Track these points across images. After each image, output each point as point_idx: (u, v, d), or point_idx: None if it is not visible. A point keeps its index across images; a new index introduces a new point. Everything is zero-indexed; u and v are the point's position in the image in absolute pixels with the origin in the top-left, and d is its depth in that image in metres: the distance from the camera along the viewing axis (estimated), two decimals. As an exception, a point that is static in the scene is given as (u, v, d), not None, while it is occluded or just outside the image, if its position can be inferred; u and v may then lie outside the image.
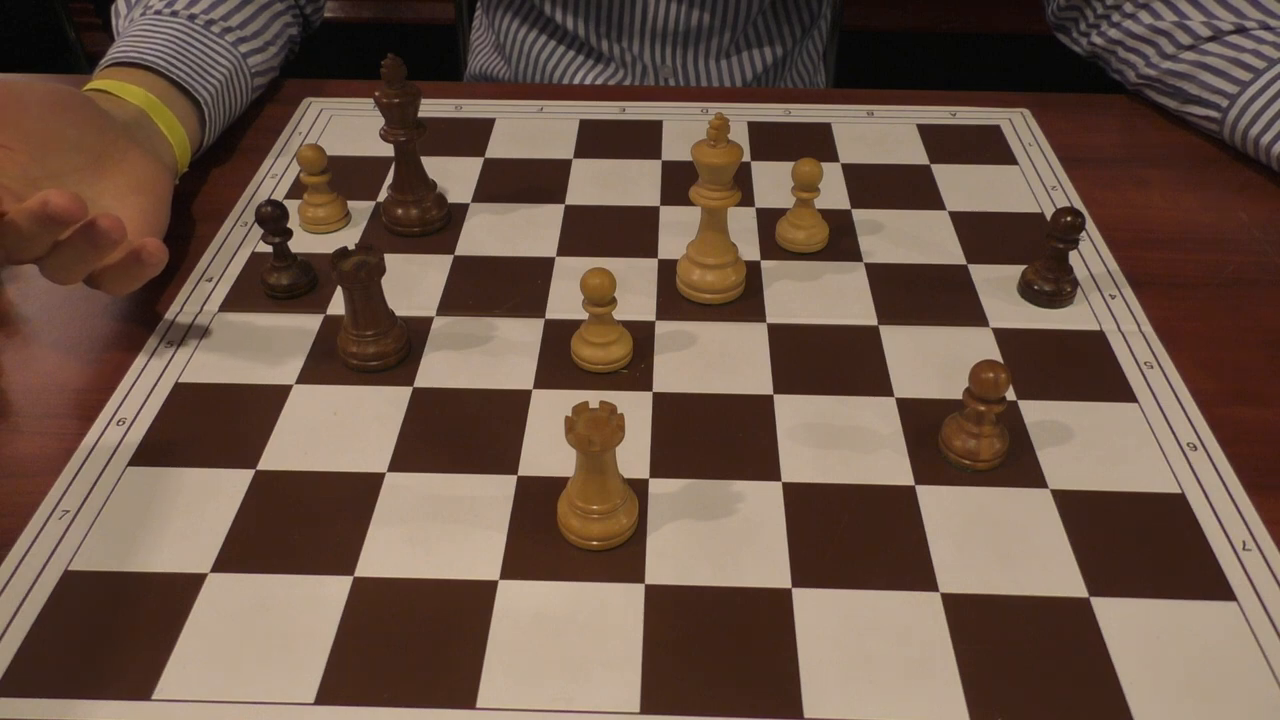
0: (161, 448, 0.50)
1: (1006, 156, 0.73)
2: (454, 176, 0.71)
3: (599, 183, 0.71)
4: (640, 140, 0.75)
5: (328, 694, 0.40)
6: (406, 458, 0.50)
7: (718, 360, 0.56)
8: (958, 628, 0.42)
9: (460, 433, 0.51)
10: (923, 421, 0.52)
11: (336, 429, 0.51)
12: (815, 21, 0.96)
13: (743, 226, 0.66)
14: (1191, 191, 0.70)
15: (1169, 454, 0.50)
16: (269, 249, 0.59)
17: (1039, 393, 0.53)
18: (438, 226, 0.66)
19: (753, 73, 0.93)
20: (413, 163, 0.65)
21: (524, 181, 0.71)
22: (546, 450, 0.50)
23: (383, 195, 0.69)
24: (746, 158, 0.73)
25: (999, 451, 0.49)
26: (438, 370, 0.55)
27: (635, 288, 0.61)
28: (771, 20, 0.92)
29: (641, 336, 0.57)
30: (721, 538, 0.46)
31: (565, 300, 0.60)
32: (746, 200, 0.68)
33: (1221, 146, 0.74)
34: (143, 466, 0.49)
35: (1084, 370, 0.55)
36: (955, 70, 2.15)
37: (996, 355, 0.56)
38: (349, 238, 0.66)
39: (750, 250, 0.64)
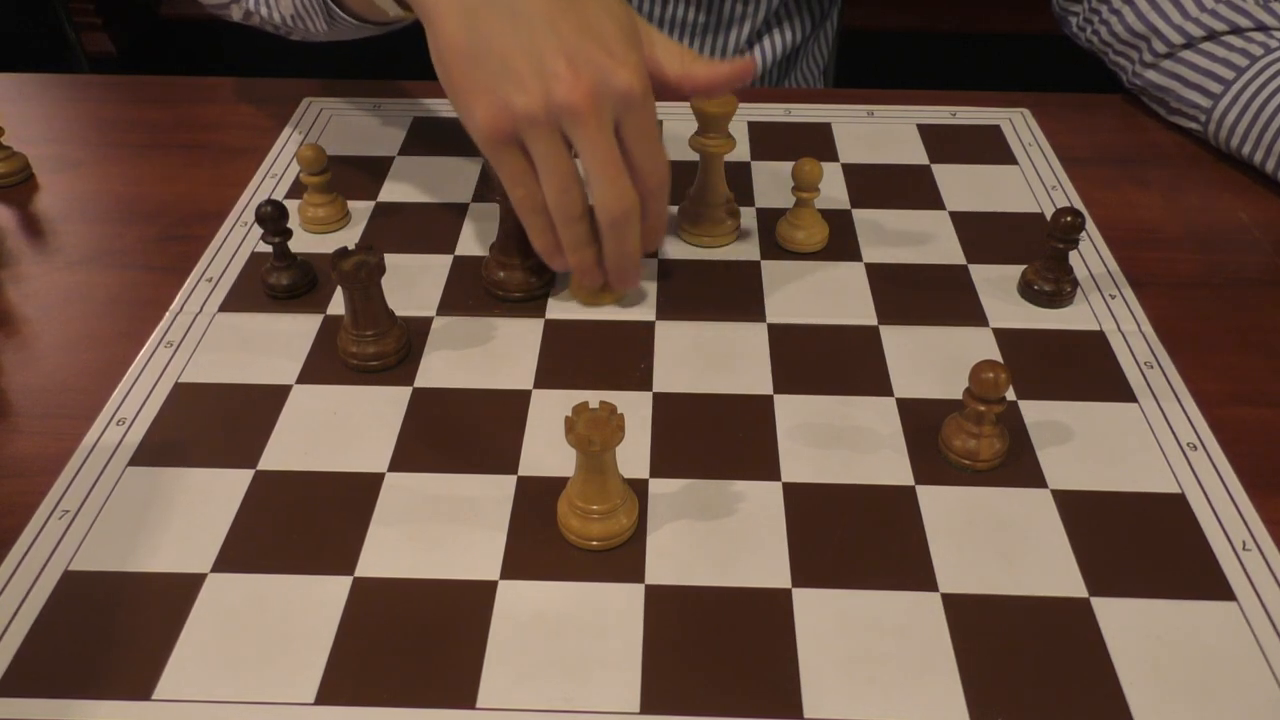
0: (161, 448, 0.50)
1: (1006, 156, 0.73)
2: (455, 176, 0.71)
3: (599, 183, 0.70)
4: (640, 140, 0.75)
5: (327, 694, 0.40)
6: (406, 458, 0.50)
7: (718, 360, 0.56)
8: (958, 628, 0.42)
9: (460, 433, 0.51)
10: (923, 421, 0.52)
11: (336, 429, 0.51)
12: (828, 13, 0.96)
13: (743, 226, 0.66)
14: (1192, 191, 0.70)
15: (1169, 454, 0.50)
16: (269, 249, 0.59)
17: (1039, 393, 0.53)
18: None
19: (763, 67, 0.93)
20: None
21: (524, 181, 0.71)
22: (546, 450, 0.50)
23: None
24: (746, 158, 0.73)
25: (999, 451, 0.49)
26: (438, 370, 0.55)
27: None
28: (783, 12, 0.91)
29: (641, 336, 0.57)
30: (721, 538, 0.46)
31: (565, 299, 0.60)
32: (747, 200, 0.68)
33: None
34: (143, 466, 0.49)
35: (1084, 370, 0.55)
36: (955, 70, 2.15)
37: (996, 355, 0.56)
38: (349, 238, 0.66)
39: (750, 250, 0.64)
